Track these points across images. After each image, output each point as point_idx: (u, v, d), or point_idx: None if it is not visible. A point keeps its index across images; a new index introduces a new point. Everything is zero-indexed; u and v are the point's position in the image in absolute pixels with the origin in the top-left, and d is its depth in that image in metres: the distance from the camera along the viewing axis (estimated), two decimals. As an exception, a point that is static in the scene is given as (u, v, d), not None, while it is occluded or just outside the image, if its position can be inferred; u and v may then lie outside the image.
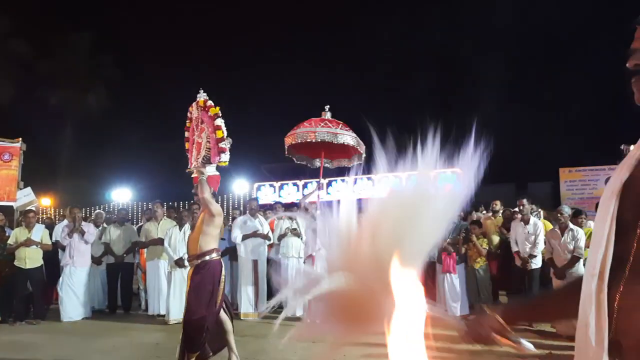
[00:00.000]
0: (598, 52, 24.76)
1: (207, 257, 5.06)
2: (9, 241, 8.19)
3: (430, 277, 8.36)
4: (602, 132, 20.58)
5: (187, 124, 5.95)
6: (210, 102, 5.60)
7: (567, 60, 26.59)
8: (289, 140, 7.77)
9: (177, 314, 7.83)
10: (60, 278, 8.44)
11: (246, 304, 8.22)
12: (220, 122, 5.46)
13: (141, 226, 9.77)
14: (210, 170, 5.39)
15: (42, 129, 20.86)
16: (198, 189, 5.12)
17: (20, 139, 10.92)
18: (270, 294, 8.73)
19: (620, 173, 1.21)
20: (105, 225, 9.64)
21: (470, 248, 7.84)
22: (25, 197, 11.11)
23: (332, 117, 7.81)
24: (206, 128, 5.58)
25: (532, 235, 7.41)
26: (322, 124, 7.53)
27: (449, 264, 7.84)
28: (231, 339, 5.23)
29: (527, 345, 1.51)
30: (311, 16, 32.70)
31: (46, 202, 19.42)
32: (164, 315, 8.03)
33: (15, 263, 8.05)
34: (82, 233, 8.42)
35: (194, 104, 5.77)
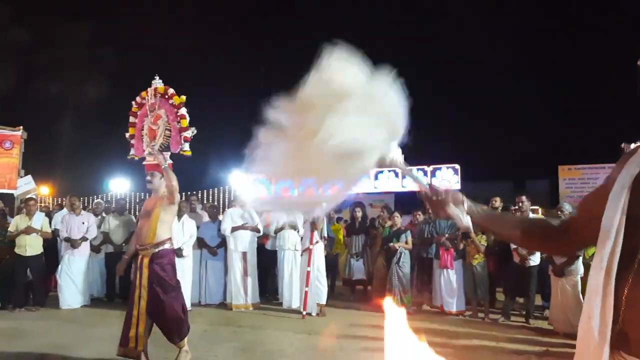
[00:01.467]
0: (598, 49, 24.77)
1: (166, 246, 5.04)
2: (10, 229, 8.22)
3: (427, 272, 8.40)
4: (601, 129, 20.59)
5: (134, 109, 5.80)
6: (172, 91, 5.55)
7: (567, 57, 26.52)
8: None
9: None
10: (59, 266, 8.48)
11: (237, 295, 8.25)
12: (184, 111, 5.47)
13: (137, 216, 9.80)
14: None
15: (42, 118, 20.86)
16: (154, 177, 5.10)
17: (21, 127, 10.91)
18: (262, 286, 8.78)
19: (629, 168, 1.22)
20: (104, 214, 9.67)
21: (468, 244, 7.87)
22: (25, 185, 11.10)
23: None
24: (164, 115, 5.54)
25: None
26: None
27: (447, 260, 7.89)
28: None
29: (466, 219, 1.67)
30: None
31: (45, 190, 19.44)
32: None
33: (16, 250, 8.08)
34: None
35: (149, 90, 5.67)
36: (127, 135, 5.82)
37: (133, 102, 5.81)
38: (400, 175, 18.45)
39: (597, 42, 24.75)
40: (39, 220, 8.27)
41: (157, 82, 5.64)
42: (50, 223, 8.84)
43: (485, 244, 7.88)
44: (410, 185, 18.24)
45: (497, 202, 8.94)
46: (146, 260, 4.89)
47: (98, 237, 9.02)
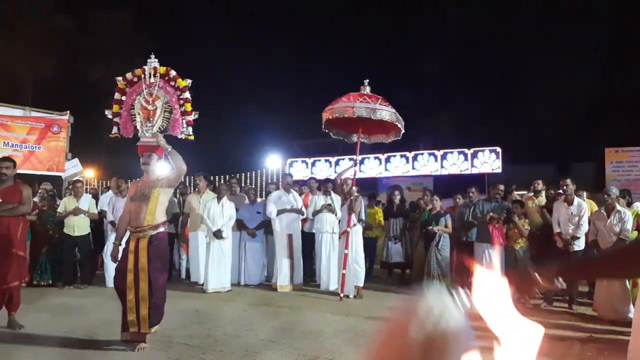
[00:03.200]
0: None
1: (163, 228, 5.00)
2: (59, 210, 8.54)
3: (467, 256, 8.30)
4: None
5: (120, 85, 5.51)
6: (174, 73, 5.42)
7: (616, 35, 25.48)
8: (326, 115, 7.75)
9: (214, 283, 8.07)
10: (106, 245, 8.76)
11: (282, 276, 8.35)
12: (188, 94, 5.40)
13: (180, 198, 10.00)
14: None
15: (88, 102, 21.43)
16: (151, 159, 5.04)
17: (68, 111, 11.26)
18: (305, 267, 8.87)
19: None
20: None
21: (511, 228, 7.71)
22: (73, 167, 11.49)
23: (371, 91, 7.73)
24: (162, 97, 5.39)
25: (576, 216, 7.22)
26: (360, 99, 7.45)
27: (498, 236, 7.66)
28: None
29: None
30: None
31: (90, 173, 20.05)
32: (203, 284, 8.26)
33: (64, 230, 8.40)
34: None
35: (146, 68, 5.45)
36: (110, 112, 5.53)
37: (119, 78, 5.54)
38: (439, 158, 18.24)
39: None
40: (86, 202, 8.54)
41: (154, 62, 5.46)
42: (96, 204, 9.13)
43: (529, 228, 7.72)
44: (450, 169, 18.00)
45: (540, 186, 8.72)
46: (144, 242, 4.83)
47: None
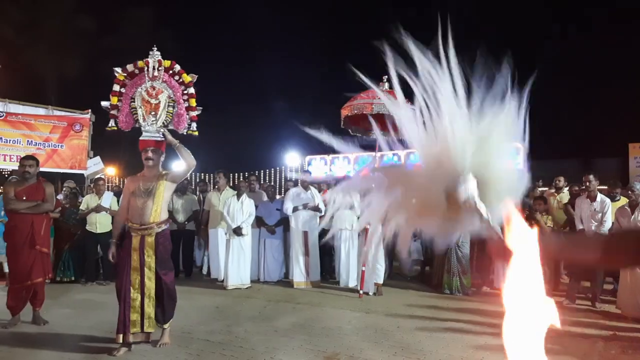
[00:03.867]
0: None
1: (166, 226, 4.91)
2: (81, 207, 8.67)
3: (487, 253, 8.22)
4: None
5: (120, 77, 5.22)
6: (179, 67, 5.27)
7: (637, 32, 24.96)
8: (345, 112, 7.73)
9: (235, 280, 8.11)
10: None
11: (298, 273, 8.38)
12: (193, 90, 5.29)
13: (200, 195, 10.08)
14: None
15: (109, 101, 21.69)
16: (157, 154, 4.88)
17: (90, 110, 11.41)
18: (322, 264, 8.88)
19: None
20: (168, 193, 9.99)
21: (532, 225, 7.60)
22: (94, 165, 11.65)
23: (390, 88, 7.68)
24: (166, 90, 5.22)
25: (599, 212, 7.10)
26: (379, 96, 7.41)
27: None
28: None
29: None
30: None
31: (111, 171, 20.30)
32: (223, 281, 8.31)
33: (87, 228, 8.52)
34: None
35: (150, 61, 5.24)
36: (108, 104, 5.21)
37: (118, 69, 5.25)
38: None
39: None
40: (108, 199, 8.65)
41: (156, 54, 5.26)
42: (118, 202, 9.23)
43: (551, 225, 7.62)
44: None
45: (562, 182, 8.60)
46: (150, 240, 4.72)
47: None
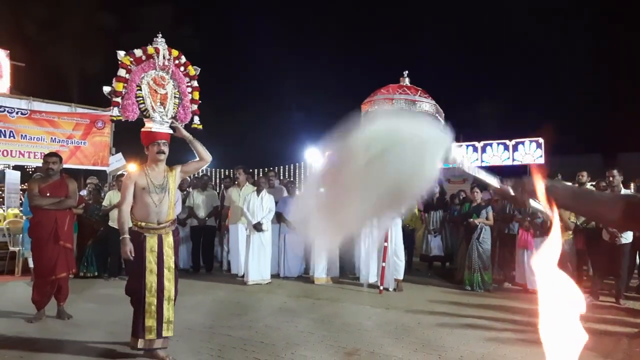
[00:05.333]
0: None
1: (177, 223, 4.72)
2: (104, 203, 8.79)
3: (508, 249, 8.14)
4: None
5: (126, 61, 4.65)
6: (184, 58, 4.95)
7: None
8: (365, 108, 7.70)
9: (255, 275, 8.15)
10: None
11: (319, 268, 8.39)
12: (196, 83, 5.05)
13: (221, 191, 10.15)
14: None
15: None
16: (166, 147, 4.50)
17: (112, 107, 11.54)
18: (345, 260, 8.88)
19: None
20: (189, 189, 10.09)
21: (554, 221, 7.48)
22: (117, 162, 11.79)
23: (410, 83, 7.63)
24: (171, 82, 4.88)
25: (623, 208, 6.97)
26: (400, 91, 7.38)
27: (526, 239, 7.55)
28: None
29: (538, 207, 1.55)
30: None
31: (133, 167, 20.54)
32: (243, 276, 8.36)
33: (109, 223, 8.62)
34: None
35: (160, 48, 4.82)
36: (110, 89, 4.63)
37: (121, 53, 4.68)
38: (479, 149, 17.92)
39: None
40: (130, 195, 8.74)
41: (161, 41, 4.85)
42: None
43: (575, 221, 7.49)
44: (490, 160, 17.67)
45: (585, 177, 8.45)
46: (169, 240, 4.44)
47: (183, 211, 9.44)
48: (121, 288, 6.89)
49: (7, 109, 10.34)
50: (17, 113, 10.41)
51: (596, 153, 18.84)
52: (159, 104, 4.73)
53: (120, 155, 12.04)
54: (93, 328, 5.34)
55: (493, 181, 1.61)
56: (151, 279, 4.33)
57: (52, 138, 10.81)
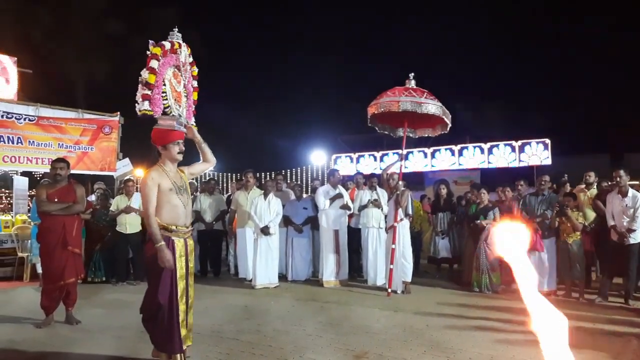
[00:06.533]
0: None
1: None
2: (111, 208, 8.83)
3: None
4: None
5: (155, 51, 4.32)
6: (191, 59, 4.81)
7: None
8: (371, 110, 7.70)
9: (263, 279, 8.16)
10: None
11: (328, 272, 8.38)
12: (196, 83, 4.92)
13: (229, 195, 10.17)
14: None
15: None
16: (183, 148, 4.23)
17: (119, 112, 11.58)
18: (351, 263, 8.87)
19: None
20: (196, 194, 10.12)
21: (563, 222, 7.43)
22: (124, 167, 11.82)
23: (416, 85, 7.63)
24: (182, 80, 4.71)
25: (631, 208, 6.93)
26: (406, 93, 7.37)
27: (535, 241, 7.50)
28: None
29: None
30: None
31: (140, 172, 20.61)
32: (251, 280, 8.37)
33: (117, 228, 8.68)
34: None
35: (181, 42, 4.59)
36: (145, 80, 4.21)
37: (152, 43, 4.36)
38: (486, 151, 17.88)
39: None
40: (137, 200, 8.77)
41: (178, 36, 4.57)
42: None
43: (583, 222, 7.45)
44: (497, 162, 17.63)
45: (592, 178, 8.42)
46: (191, 243, 4.26)
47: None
48: (129, 293, 6.90)
49: (14, 115, 10.39)
50: (24, 119, 10.46)
51: (604, 153, 18.74)
52: (174, 101, 4.48)
53: (127, 160, 12.07)
54: (102, 333, 5.35)
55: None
56: (182, 286, 4.08)
57: (59, 144, 10.84)
